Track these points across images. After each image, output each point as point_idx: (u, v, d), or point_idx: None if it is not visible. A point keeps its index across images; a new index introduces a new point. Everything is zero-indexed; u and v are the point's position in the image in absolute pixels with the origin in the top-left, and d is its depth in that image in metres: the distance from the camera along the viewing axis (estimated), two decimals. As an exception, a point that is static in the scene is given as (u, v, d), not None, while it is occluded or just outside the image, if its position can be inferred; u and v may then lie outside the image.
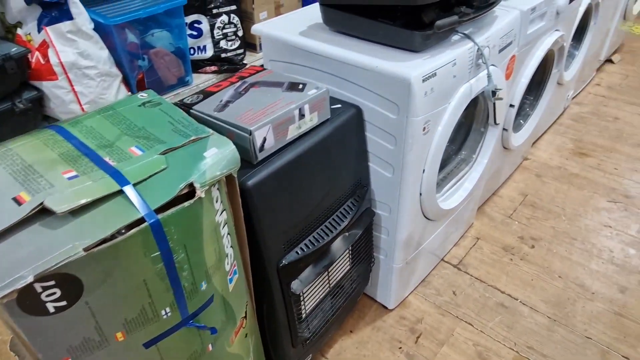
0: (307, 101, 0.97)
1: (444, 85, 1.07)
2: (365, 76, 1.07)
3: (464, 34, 1.13)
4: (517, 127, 1.77)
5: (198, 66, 1.99)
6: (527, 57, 1.48)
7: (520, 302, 1.48)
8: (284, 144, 0.95)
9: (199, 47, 2.02)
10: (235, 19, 2.04)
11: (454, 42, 1.12)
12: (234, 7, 2.02)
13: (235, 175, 0.79)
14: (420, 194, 1.20)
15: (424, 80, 1.00)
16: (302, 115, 0.96)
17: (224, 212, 0.81)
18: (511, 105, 1.54)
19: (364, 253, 1.29)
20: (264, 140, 0.90)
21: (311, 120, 0.99)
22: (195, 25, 1.98)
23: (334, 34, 1.19)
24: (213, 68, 2.01)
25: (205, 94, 1.01)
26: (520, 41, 1.37)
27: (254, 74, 1.08)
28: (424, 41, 1.05)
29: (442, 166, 1.45)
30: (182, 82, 1.84)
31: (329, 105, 1.03)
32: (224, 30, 2.05)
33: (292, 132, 0.96)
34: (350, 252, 1.21)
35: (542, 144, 2.21)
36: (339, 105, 1.10)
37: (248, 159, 0.91)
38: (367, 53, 1.08)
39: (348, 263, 1.22)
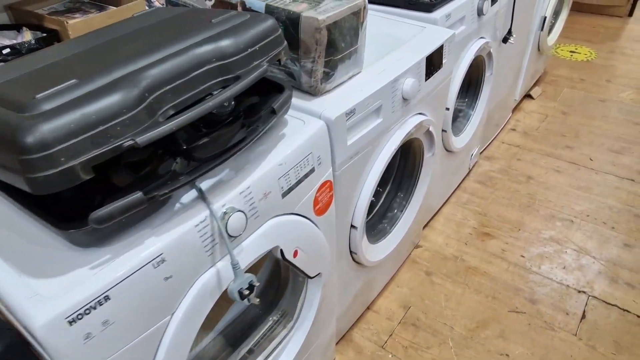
0: None
1: (141, 305, 0.62)
2: None
3: (199, 190, 0.69)
4: (379, 236, 1.34)
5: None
6: (367, 164, 1.06)
7: None
8: None
9: None
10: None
11: (180, 210, 0.68)
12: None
13: None
14: None
15: (73, 322, 0.56)
16: None
17: None
18: (353, 227, 1.12)
19: None
20: None
21: None
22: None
23: None
24: None
25: None
26: (338, 158, 0.94)
27: None
28: (88, 237, 0.61)
29: (245, 336, 1.01)
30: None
31: None
32: None
33: None
34: None
35: (439, 221, 1.81)
36: (-25, 339, 0.64)
37: None
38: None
39: None
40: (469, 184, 1.98)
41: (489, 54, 1.64)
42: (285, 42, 0.77)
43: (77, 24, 1.83)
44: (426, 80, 1.15)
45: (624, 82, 2.67)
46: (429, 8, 1.28)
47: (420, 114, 1.21)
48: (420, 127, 1.18)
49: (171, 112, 0.62)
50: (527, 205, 1.86)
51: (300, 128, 0.86)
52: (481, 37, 1.55)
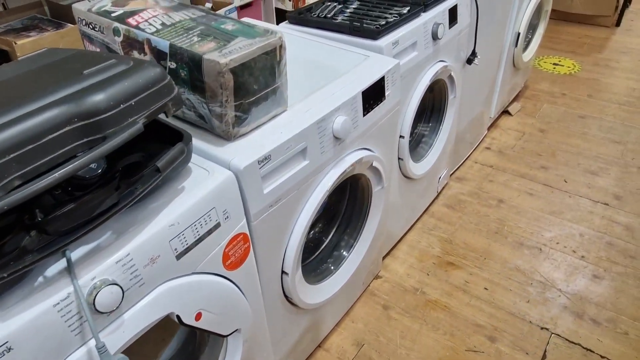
0: None
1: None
2: None
3: (68, 260, 0.63)
4: (323, 276, 1.27)
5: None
6: (295, 208, 0.99)
7: None
8: None
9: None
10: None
11: (41, 285, 0.61)
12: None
13: None
14: None
15: None
16: None
17: None
18: (284, 273, 1.04)
19: None
20: None
21: None
22: None
23: None
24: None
25: None
26: (253, 208, 0.87)
27: None
28: None
29: (159, 396, 0.94)
30: None
31: None
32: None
33: None
34: None
35: (402, 249, 1.74)
36: None
37: None
38: None
39: None
40: (437, 208, 1.91)
41: (450, 77, 1.57)
42: (176, 92, 0.70)
43: (26, 44, 1.77)
44: (364, 115, 1.08)
45: (606, 97, 2.59)
46: (374, 35, 1.21)
47: (363, 149, 1.14)
48: (360, 163, 1.11)
49: (17, 182, 0.56)
50: (496, 232, 1.78)
51: (204, 180, 0.79)
52: (440, 61, 1.48)
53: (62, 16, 2.05)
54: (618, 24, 3.46)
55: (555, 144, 2.25)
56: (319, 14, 1.35)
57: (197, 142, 0.88)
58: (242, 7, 2.43)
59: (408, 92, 1.36)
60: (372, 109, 1.11)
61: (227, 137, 0.87)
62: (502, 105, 2.39)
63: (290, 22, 1.37)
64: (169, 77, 0.70)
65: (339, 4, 1.42)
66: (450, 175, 2.07)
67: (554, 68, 2.92)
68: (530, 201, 1.92)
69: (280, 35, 0.86)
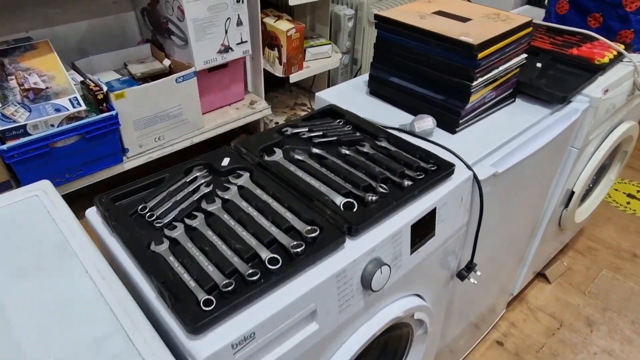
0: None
1: None
2: None
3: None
4: None
5: None
6: None
7: None
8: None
9: None
10: None
11: None
12: None
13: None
14: None
15: None
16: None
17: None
18: None
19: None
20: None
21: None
22: None
23: None
24: None
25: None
26: None
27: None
28: None
29: None
30: None
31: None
32: None
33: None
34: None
35: None
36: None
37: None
38: None
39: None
40: None
41: (419, 321, 0.87)
42: None
43: None
44: None
45: (701, 274, 1.75)
46: (191, 330, 0.55)
47: None
48: None
49: None
50: None
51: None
52: (411, 294, 0.79)
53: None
54: None
55: (609, 352, 1.46)
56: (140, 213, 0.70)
57: None
58: (211, 70, 1.83)
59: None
60: None
61: None
62: (534, 271, 1.63)
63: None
64: None
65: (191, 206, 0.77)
66: (428, 393, 1.35)
67: (628, 205, 2.09)
68: None
69: None
